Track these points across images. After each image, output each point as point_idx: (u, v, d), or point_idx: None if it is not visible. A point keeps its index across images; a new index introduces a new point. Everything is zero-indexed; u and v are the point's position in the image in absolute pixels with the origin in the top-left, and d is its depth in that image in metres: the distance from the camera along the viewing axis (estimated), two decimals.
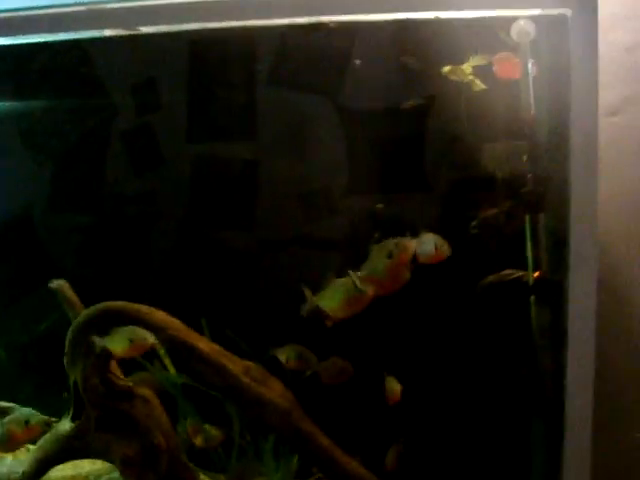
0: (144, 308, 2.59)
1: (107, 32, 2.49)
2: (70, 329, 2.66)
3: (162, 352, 2.77)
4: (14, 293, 3.61)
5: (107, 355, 2.60)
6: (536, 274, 2.57)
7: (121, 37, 3.17)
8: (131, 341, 2.49)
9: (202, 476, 2.65)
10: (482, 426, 2.86)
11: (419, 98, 2.99)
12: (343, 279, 2.27)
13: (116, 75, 3.58)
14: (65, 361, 2.66)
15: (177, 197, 3.56)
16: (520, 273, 2.61)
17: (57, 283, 2.77)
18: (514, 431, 2.81)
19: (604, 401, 2.44)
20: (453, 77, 2.66)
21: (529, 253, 2.62)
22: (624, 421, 2.89)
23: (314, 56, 3.27)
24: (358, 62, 3.02)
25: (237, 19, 2.52)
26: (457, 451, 2.84)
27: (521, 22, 2.29)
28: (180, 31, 3.14)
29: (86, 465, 3.06)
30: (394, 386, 2.57)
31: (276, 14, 2.47)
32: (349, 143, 3.29)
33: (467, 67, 2.62)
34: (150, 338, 2.46)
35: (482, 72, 2.71)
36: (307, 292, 2.35)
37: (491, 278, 2.62)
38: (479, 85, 2.64)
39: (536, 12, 2.24)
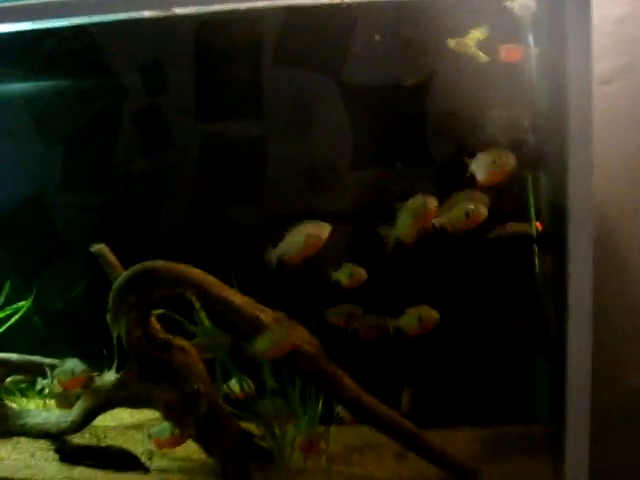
0: (181, 266, 2.79)
1: (146, 13, 2.63)
2: (113, 288, 2.86)
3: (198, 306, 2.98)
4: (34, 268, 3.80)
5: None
6: (537, 225, 2.77)
7: (130, 20, 3.38)
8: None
9: (236, 420, 2.84)
10: (492, 364, 3.06)
11: (420, 75, 3.13)
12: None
13: (124, 58, 3.75)
14: (108, 317, 2.87)
15: (186, 175, 3.74)
16: (523, 225, 2.81)
17: (97, 247, 2.97)
18: (521, 368, 3.03)
19: (603, 349, 2.66)
20: (459, 49, 2.81)
21: (531, 207, 2.82)
22: (622, 368, 3.07)
23: (317, 35, 3.40)
24: (378, 37, 3.14)
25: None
26: (468, 389, 3.03)
27: None
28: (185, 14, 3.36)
29: (125, 416, 3.30)
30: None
31: None
32: (353, 119, 3.44)
33: (470, 40, 2.78)
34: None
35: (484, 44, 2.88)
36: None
37: (496, 231, 2.82)
38: (483, 57, 2.80)
39: None
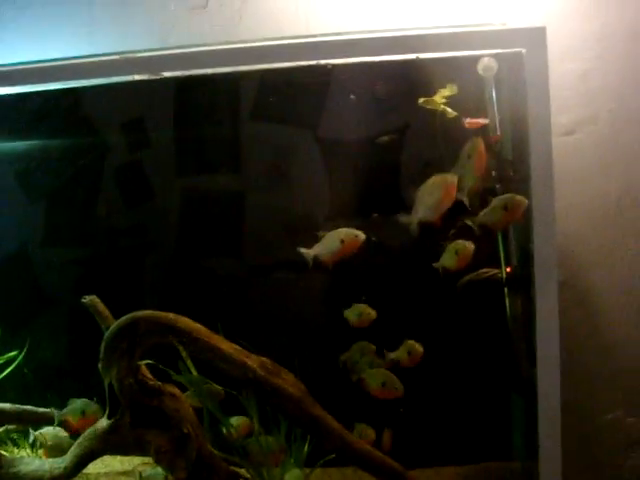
0: (170, 315, 2.90)
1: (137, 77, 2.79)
2: (104, 338, 2.96)
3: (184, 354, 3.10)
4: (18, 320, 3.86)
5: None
6: (508, 269, 2.94)
7: (114, 82, 3.54)
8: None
9: (225, 463, 2.95)
10: (467, 403, 3.18)
11: (393, 132, 3.30)
12: None
13: (106, 117, 3.89)
14: (100, 366, 2.96)
15: (167, 228, 3.87)
16: (494, 271, 2.98)
17: (89, 298, 3.07)
18: (496, 406, 3.15)
19: (571, 388, 2.81)
20: (428, 106, 2.99)
21: (501, 253, 2.99)
22: (591, 405, 3.22)
23: (294, 93, 3.58)
24: (353, 97, 3.32)
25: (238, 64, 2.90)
26: (445, 428, 3.14)
27: (485, 59, 2.67)
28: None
29: (116, 464, 3.39)
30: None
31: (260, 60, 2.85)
32: (329, 173, 3.59)
33: (439, 97, 2.96)
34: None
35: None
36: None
37: (469, 276, 2.98)
38: (451, 112, 2.98)
39: (497, 51, 2.62)
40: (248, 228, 3.72)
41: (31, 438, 2.86)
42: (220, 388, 3.05)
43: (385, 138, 3.31)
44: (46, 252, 4.01)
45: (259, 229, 3.71)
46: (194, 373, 3.10)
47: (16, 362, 3.60)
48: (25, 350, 3.65)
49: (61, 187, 4.01)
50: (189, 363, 3.09)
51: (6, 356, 3.60)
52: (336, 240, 2.78)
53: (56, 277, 4.00)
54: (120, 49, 3.14)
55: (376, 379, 2.86)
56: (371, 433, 2.85)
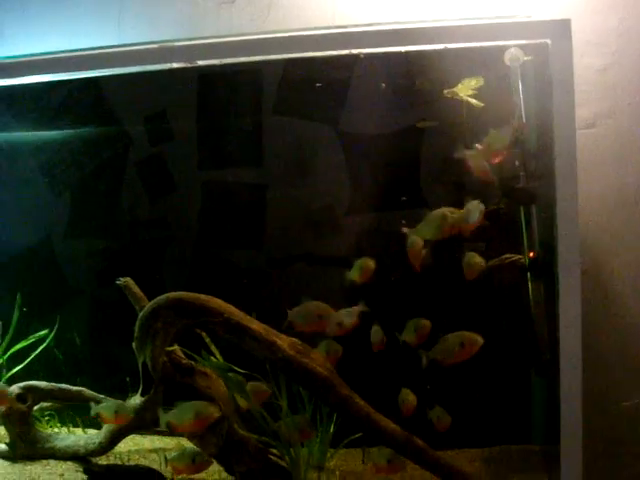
0: (203, 296, 2.99)
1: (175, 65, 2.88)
2: (139, 318, 3.05)
3: (208, 340, 3.20)
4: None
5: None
6: (531, 254, 3.02)
7: (137, 73, 3.62)
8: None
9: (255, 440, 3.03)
10: (491, 385, 3.25)
11: (431, 119, 3.36)
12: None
13: (131, 108, 4.00)
14: (134, 345, 3.06)
15: (190, 221, 3.94)
16: (517, 256, 3.06)
17: (124, 280, 3.16)
18: (517, 390, 3.21)
19: (594, 375, 2.87)
20: (455, 97, 3.07)
21: (524, 239, 3.07)
22: (610, 390, 3.26)
23: (316, 86, 3.65)
24: (383, 85, 3.40)
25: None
26: (468, 412, 3.21)
27: (512, 50, 2.75)
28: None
29: (146, 442, 3.48)
30: None
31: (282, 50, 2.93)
32: (349, 165, 3.66)
33: (464, 88, 3.04)
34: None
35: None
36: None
37: (493, 262, 3.06)
38: (476, 103, 3.06)
39: (523, 42, 2.70)
40: (269, 221, 3.79)
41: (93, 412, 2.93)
42: (242, 378, 3.09)
43: (426, 123, 3.36)
44: (69, 243, 4.10)
45: (280, 222, 3.79)
46: (219, 359, 3.18)
47: (47, 340, 3.71)
48: (54, 331, 3.75)
49: (85, 179, 4.10)
50: (213, 348, 3.18)
51: (37, 334, 3.69)
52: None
53: (79, 268, 4.10)
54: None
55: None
56: (413, 399, 2.86)
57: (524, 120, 3.01)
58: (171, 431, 2.77)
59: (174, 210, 3.96)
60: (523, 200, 3.03)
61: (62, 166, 4.12)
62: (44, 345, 3.74)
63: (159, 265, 3.88)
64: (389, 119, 3.56)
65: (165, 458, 2.92)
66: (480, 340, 2.63)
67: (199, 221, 3.90)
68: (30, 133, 4.18)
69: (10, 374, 3.65)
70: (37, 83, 3.37)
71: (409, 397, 2.84)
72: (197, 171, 3.90)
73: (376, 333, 2.85)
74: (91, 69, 3.17)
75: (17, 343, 3.78)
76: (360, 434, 3.01)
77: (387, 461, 2.77)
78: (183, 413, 2.71)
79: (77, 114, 4.07)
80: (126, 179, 4.01)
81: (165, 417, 2.72)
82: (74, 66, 3.16)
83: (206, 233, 3.89)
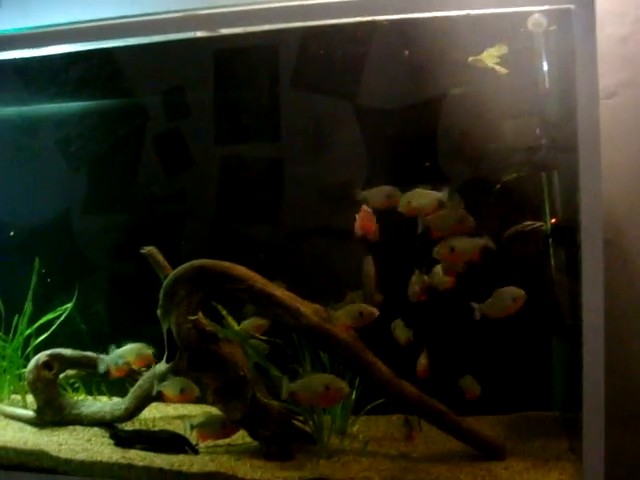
0: (226, 263, 3.02)
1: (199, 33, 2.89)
2: (163, 285, 3.09)
3: (224, 312, 3.23)
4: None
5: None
6: (552, 221, 3.03)
7: (152, 46, 3.63)
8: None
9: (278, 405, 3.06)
10: (512, 349, 3.27)
11: (464, 86, 3.33)
12: None
13: (147, 83, 4.02)
14: (159, 312, 3.09)
15: (207, 196, 3.96)
16: (538, 223, 3.07)
17: (148, 249, 3.20)
18: (539, 352, 3.24)
19: (616, 343, 2.87)
20: (479, 64, 3.07)
21: (546, 205, 3.08)
22: (634, 360, 3.26)
23: (333, 59, 3.66)
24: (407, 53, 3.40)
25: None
26: (489, 379, 3.23)
27: (536, 15, 2.75)
28: (205, 39, 3.60)
29: (170, 410, 3.53)
30: None
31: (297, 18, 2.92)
32: (366, 139, 3.66)
33: (488, 56, 3.04)
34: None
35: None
36: None
37: (515, 228, 3.08)
38: (502, 70, 3.06)
39: (547, 7, 2.70)
40: (286, 195, 3.81)
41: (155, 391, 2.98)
42: (265, 345, 3.16)
43: (457, 90, 3.36)
44: (87, 219, 4.15)
45: (297, 196, 3.80)
46: (236, 328, 3.21)
47: (67, 310, 3.78)
48: (73, 302, 3.82)
49: (102, 154, 4.14)
50: (230, 319, 3.20)
51: (64, 307, 3.75)
52: None
53: (97, 243, 4.14)
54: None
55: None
56: (477, 390, 2.96)
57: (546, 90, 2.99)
58: (292, 402, 2.84)
59: (192, 185, 3.98)
60: (544, 167, 3.03)
61: (80, 141, 4.16)
62: (66, 313, 3.79)
63: (177, 240, 3.90)
64: (407, 91, 3.57)
65: (190, 425, 2.94)
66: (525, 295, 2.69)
67: (217, 196, 3.93)
68: (47, 106, 4.22)
69: (36, 343, 3.70)
70: (52, 55, 3.44)
71: (422, 360, 2.95)
72: (215, 146, 3.92)
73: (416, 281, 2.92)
74: (105, 39, 3.24)
75: (40, 314, 3.83)
76: (383, 400, 3.01)
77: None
78: (311, 384, 2.73)
79: (94, 88, 4.11)
80: (144, 154, 4.03)
81: (290, 386, 2.76)
82: (88, 36, 3.21)
83: (224, 208, 3.91)
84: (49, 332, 3.77)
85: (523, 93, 3.13)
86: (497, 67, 2.98)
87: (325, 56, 3.68)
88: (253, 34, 3.65)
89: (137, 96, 4.05)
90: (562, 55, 2.85)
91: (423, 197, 2.87)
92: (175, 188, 4.02)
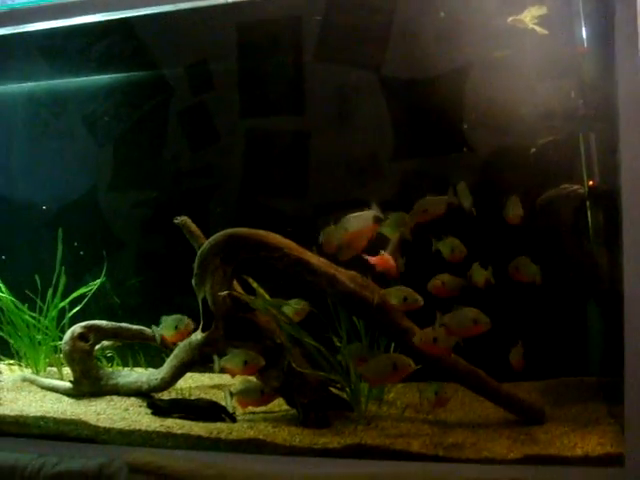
0: (262, 232, 3.02)
1: None
2: (198, 254, 3.10)
3: (255, 285, 3.25)
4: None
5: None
6: (590, 183, 3.00)
7: (175, 23, 3.62)
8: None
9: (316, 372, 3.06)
10: (550, 313, 3.26)
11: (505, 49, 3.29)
12: None
13: (171, 57, 4.00)
14: (194, 282, 3.11)
15: (233, 170, 3.96)
16: (575, 187, 3.04)
17: (181, 219, 3.20)
18: (574, 315, 3.22)
19: None
20: (519, 25, 3.02)
21: (583, 166, 3.04)
22: None
23: (358, 30, 3.63)
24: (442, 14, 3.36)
25: None
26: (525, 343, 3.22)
27: None
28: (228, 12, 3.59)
29: (205, 379, 3.54)
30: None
31: None
32: (392, 111, 3.64)
33: (529, 16, 2.98)
34: (412, 365, 2.75)
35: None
36: None
37: (550, 192, 3.05)
38: (542, 31, 3.01)
39: None
40: (312, 168, 3.80)
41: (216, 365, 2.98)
42: (306, 304, 3.09)
43: (501, 54, 3.32)
44: (113, 195, 4.17)
45: (324, 169, 3.79)
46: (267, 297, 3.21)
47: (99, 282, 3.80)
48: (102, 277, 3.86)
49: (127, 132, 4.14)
50: (261, 292, 3.20)
51: (95, 282, 3.77)
52: None
53: (124, 219, 4.16)
54: None
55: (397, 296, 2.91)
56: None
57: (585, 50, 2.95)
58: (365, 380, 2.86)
59: (218, 159, 3.97)
60: (582, 126, 2.99)
61: (105, 117, 4.16)
62: (97, 285, 3.83)
63: (204, 214, 3.88)
64: (433, 62, 3.52)
65: (230, 393, 2.94)
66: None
67: (243, 170, 3.92)
68: (71, 82, 4.21)
69: (70, 314, 3.72)
70: (74, 29, 3.45)
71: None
72: (240, 119, 3.90)
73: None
74: (128, 8, 3.21)
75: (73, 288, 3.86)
76: (419, 366, 2.99)
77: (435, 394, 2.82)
78: (379, 365, 2.76)
79: (118, 64, 4.11)
80: (169, 129, 4.02)
81: (359, 370, 2.83)
82: (112, 6, 3.20)
83: (250, 181, 3.91)
84: (81, 304, 3.81)
85: (560, 55, 3.07)
86: (537, 28, 2.92)
87: (349, 28, 3.65)
88: (277, 5, 3.70)
89: (161, 70, 4.03)
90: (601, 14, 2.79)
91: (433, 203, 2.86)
92: (201, 162, 4.01)
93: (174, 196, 4.10)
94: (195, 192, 4.05)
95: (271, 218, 3.83)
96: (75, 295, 3.83)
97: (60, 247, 3.90)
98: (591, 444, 2.58)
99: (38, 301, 3.84)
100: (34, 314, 3.84)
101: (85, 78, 4.20)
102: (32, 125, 4.30)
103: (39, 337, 3.79)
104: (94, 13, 3.26)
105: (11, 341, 3.88)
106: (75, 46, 4.10)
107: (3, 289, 3.83)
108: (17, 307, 3.83)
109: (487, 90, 3.44)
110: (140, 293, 4.07)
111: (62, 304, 3.78)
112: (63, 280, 3.83)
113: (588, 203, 3.03)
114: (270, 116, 3.93)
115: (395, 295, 2.85)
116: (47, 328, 3.83)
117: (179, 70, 4.01)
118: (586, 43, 3.00)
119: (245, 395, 2.93)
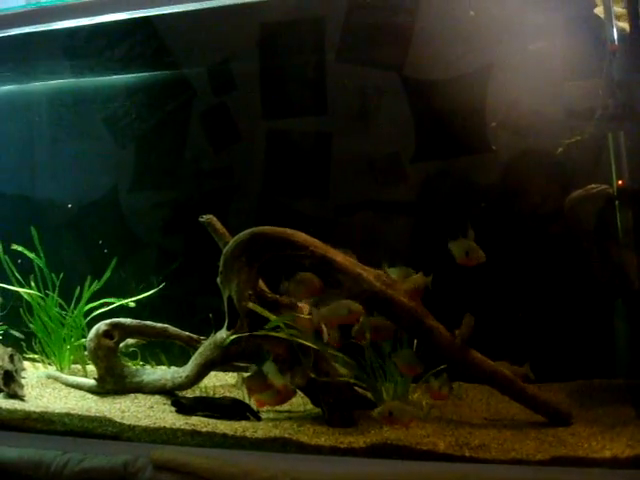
0: (288, 230, 3.01)
1: None
2: (223, 253, 3.10)
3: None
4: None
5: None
6: (619, 183, 2.97)
7: (197, 24, 3.63)
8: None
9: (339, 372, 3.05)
10: (575, 311, 3.25)
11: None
12: None
13: (194, 58, 4.04)
14: (219, 280, 3.10)
15: (255, 171, 3.97)
16: (603, 186, 3.01)
17: (207, 217, 3.20)
18: (602, 317, 3.20)
19: None
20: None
21: (612, 166, 3.01)
22: None
23: (380, 31, 3.65)
24: (472, 13, 3.35)
25: None
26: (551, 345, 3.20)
27: None
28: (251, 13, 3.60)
29: (228, 378, 3.54)
30: None
31: None
32: (414, 112, 3.65)
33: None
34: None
35: None
36: None
37: (578, 192, 3.02)
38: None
39: None
40: (334, 169, 3.81)
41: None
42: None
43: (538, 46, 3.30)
44: (134, 196, 4.20)
45: (345, 170, 3.79)
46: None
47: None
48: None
49: (148, 133, 4.19)
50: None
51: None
52: None
53: (145, 220, 4.19)
54: None
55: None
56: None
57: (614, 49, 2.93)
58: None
59: (239, 160, 3.98)
60: (611, 125, 2.96)
61: (127, 118, 4.19)
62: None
63: (225, 215, 3.85)
64: (454, 63, 3.54)
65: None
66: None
67: (264, 170, 3.92)
68: (93, 82, 4.26)
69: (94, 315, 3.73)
70: (96, 29, 3.44)
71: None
72: (262, 120, 3.91)
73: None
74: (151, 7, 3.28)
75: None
76: (444, 366, 2.98)
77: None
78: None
79: (140, 65, 4.17)
80: (191, 129, 4.04)
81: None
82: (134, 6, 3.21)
83: (271, 182, 3.91)
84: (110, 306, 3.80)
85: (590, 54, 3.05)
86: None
87: (371, 28, 3.67)
88: (299, 6, 3.70)
89: (184, 71, 4.06)
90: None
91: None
92: (223, 163, 4.02)
93: (195, 196, 4.10)
94: (216, 193, 4.09)
95: (292, 219, 3.84)
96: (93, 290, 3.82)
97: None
98: (620, 446, 2.54)
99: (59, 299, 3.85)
100: (62, 311, 3.84)
101: (107, 78, 4.26)
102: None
103: (63, 333, 3.78)
104: (114, 12, 3.29)
105: (38, 336, 3.87)
106: (95, 47, 4.17)
107: (33, 285, 3.83)
108: (44, 302, 3.81)
109: (512, 91, 3.42)
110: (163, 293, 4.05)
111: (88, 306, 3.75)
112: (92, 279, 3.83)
113: (617, 203, 3.00)
114: (292, 117, 3.95)
115: (414, 281, 2.89)
116: (74, 324, 3.82)
117: (201, 71, 4.06)
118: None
119: (253, 382, 2.89)
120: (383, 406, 2.78)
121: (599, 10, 2.97)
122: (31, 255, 3.86)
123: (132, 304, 3.79)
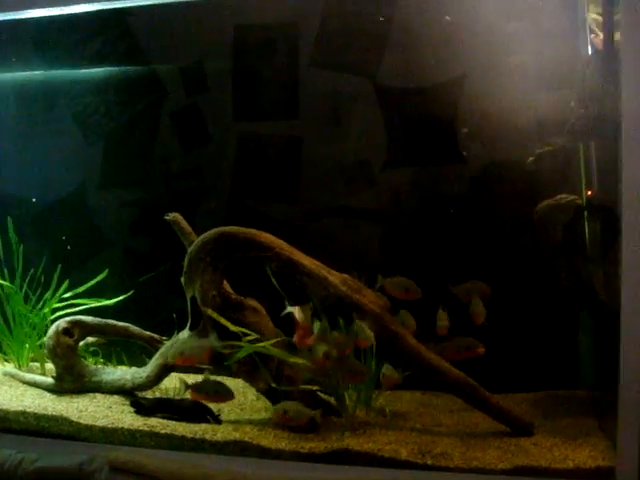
0: (254, 231, 2.98)
1: None
2: (188, 252, 3.05)
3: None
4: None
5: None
6: (588, 193, 2.97)
7: (172, 23, 3.59)
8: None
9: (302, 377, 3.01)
10: (541, 322, 3.25)
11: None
12: None
13: (166, 59, 3.97)
14: (183, 280, 3.06)
15: (224, 173, 3.91)
16: (572, 197, 3.01)
17: (172, 215, 3.15)
18: (567, 328, 3.21)
19: None
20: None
21: (582, 177, 3.02)
22: None
23: (353, 37, 3.62)
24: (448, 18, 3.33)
25: None
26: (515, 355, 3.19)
27: None
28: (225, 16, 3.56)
29: (189, 380, 3.46)
30: None
31: None
32: (386, 119, 3.62)
33: None
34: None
35: None
36: None
37: (547, 202, 3.02)
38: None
39: None
40: (304, 173, 3.77)
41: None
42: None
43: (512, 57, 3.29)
44: (102, 194, 4.12)
45: (315, 175, 3.76)
46: None
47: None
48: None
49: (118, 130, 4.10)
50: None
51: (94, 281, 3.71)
52: None
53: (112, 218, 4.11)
54: None
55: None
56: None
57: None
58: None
59: (209, 161, 3.95)
60: (581, 136, 2.96)
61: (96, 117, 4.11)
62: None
63: (192, 216, 3.80)
64: (428, 71, 3.52)
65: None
66: None
67: (234, 173, 3.88)
68: (62, 77, 4.17)
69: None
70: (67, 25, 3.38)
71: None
72: (233, 122, 3.87)
73: None
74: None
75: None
76: (408, 373, 2.95)
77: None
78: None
79: (111, 62, 4.08)
80: (160, 129, 3.99)
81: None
82: None
83: (241, 185, 3.87)
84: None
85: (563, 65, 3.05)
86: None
87: (345, 35, 3.64)
88: (274, 10, 3.67)
89: (156, 70, 4.00)
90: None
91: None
92: (192, 164, 3.98)
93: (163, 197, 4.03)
94: (185, 194, 4.00)
95: (260, 222, 3.66)
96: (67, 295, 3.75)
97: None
98: (582, 457, 2.54)
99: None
100: (25, 307, 3.76)
101: (77, 76, 4.16)
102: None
103: (25, 330, 3.70)
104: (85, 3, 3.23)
105: None
106: (66, 42, 4.07)
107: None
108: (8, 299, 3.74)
109: (484, 101, 3.41)
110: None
111: (54, 305, 3.70)
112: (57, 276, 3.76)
113: (585, 213, 3.00)
114: (263, 120, 3.89)
115: (397, 285, 2.90)
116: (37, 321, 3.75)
117: (173, 71, 3.98)
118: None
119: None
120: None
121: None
122: None
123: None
